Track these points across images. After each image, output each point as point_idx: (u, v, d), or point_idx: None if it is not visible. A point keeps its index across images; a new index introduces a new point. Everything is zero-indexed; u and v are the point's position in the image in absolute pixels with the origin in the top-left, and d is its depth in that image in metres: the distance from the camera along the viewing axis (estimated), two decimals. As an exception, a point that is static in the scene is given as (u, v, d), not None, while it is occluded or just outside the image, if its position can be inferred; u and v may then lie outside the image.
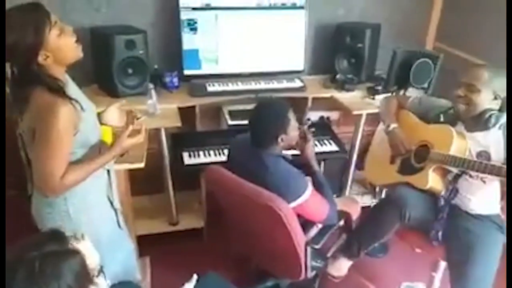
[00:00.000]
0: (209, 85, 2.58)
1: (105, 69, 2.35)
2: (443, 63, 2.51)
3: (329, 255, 1.99)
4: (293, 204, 1.63)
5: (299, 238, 1.68)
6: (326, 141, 2.56)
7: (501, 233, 1.77)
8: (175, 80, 2.59)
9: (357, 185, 3.00)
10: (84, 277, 1.02)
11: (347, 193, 2.89)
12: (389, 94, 2.47)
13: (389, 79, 2.39)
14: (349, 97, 2.63)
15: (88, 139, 1.46)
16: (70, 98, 1.33)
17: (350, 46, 2.72)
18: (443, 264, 2.08)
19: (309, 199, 1.67)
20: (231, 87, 2.59)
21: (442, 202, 1.82)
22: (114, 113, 1.69)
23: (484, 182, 1.73)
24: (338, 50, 2.78)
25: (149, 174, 2.24)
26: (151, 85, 2.29)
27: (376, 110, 2.47)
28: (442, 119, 1.86)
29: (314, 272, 1.89)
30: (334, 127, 2.85)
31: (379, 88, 2.61)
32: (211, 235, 2.63)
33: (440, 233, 1.82)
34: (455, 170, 1.76)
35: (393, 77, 2.36)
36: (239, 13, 2.60)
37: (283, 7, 2.63)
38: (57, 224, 1.49)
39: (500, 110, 1.71)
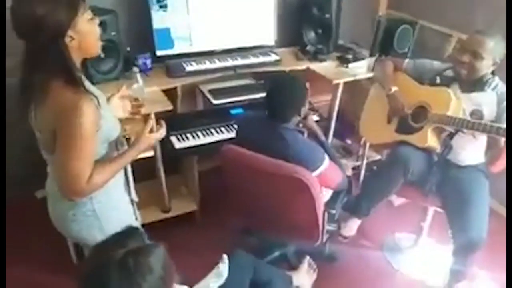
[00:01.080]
0: (186, 64, 2.50)
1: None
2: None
3: (336, 217, 2.09)
4: (315, 174, 1.69)
5: (321, 205, 1.76)
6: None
7: (486, 178, 2.00)
8: (148, 62, 2.46)
9: (337, 151, 3.13)
10: (169, 265, 1.00)
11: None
12: (365, 60, 2.58)
13: (374, 46, 2.50)
14: (324, 67, 2.71)
15: (110, 135, 1.37)
16: (91, 94, 1.24)
17: (318, 17, 2.79)
18: (430, 214, 2.31)
19: (327, 168, 1.74)
20: (209, 65, 2.53)
21: (435, 158, 1.99)
22: (117, 104, 1.59)
23: (474, 137, 1.91)
24: (305, 22, 2.83)
25: (136, 162, 2.14)
26: (135, 69, 2.16)
27: (351, 78, 2.60)
28: (438, 81, 2.01)
29: (327, 236, 1.98)
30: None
31: (350, 56, 2.72)
32: (205, 218, 2.62)
33: (433, 185, 2.00)
34: (451, 129, 1.92)
35: (378, 44, 2.47)
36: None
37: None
38: (83, 225, 1.41)
39: (493, 73, 1.89)
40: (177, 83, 2.41)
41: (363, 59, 2.70)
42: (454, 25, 2.73)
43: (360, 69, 2.68)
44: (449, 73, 2.03)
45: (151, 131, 1.46)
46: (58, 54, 1.19)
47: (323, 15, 2.78)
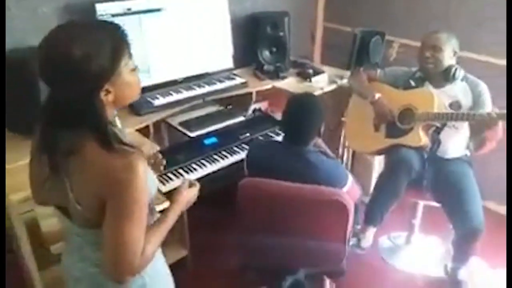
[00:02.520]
0: (153, 99, 2.27)
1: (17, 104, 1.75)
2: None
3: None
4: (345, 190, 1.64)
5: (352, 222, 1.71)
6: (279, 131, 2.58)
7: (470, 167, 2.16)
8: (109, 101, 2.19)
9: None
10: None
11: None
12: (325, 74, 2.64)
13: (352, 59, 2.55)
14: (288, 84, 2.70)
15: (151, 193, 1.16)
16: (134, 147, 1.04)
17: (272, 36, 2.78)
18: (420, 210, 2.42)
19: (352, 184, 1.71)
20: (177, 96, 2.34)
21: (426, 154, 2.10)
22: None
23: (456, 128, 2.07)
24: (259, 41, 2.80)
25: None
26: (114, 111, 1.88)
27: (319, 91, 2.63)
28: (413, 84, 2.13)
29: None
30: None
31: (310, 71, 2.77)
32: (197, 261, 2.39)
33: (429, 182, 2.11)
34: (438, 124, 2.04)
35: (355, 56, 2.53)
36: (163, 14, 2.34)
37: None
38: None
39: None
40: (149, 120, 2.18)
41: (323, 72, 2.76)
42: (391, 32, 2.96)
43: (322, 82, 2.74)
44: (419, 74, 2.18)
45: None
46: (93, 109, 0.97)
47: (277, 33, 2.78)
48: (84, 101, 0.96)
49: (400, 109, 2.14)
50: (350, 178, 1.70)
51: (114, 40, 0.97)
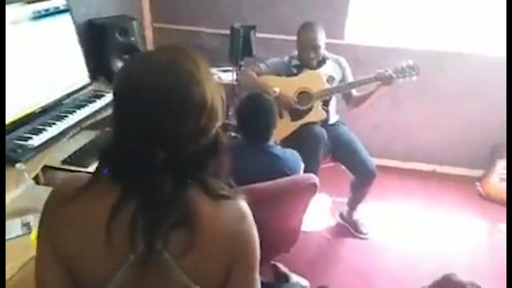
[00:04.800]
0: (26, 140, 1.76)
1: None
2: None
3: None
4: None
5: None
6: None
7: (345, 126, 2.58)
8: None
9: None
10: None
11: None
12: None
13: (237, 54, 2.48)
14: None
15: None
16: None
17: (122, 43, 2.52)
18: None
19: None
20: (51, 130, 1.87)
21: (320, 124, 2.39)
22: None
23: (332, 98, 2.45)
24: (110, 49, 2.49)
25: None
26: (20, 165, 1.38)
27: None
28: (294, 71, 2.38)
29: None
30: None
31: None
32: None
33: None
34: (328, 98, 2.37)
35: (240, 51, 2.46)
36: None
37: (47, 13, 2.04)
38: None
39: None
40: (35, 166, 1.68)
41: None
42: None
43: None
44: (295, 62, 2.45)
45: None
46: (213, 146, 0.81)
47: (128, 39, 2.53)
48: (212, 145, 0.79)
49: (297, 94, 2.36)
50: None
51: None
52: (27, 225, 1.34)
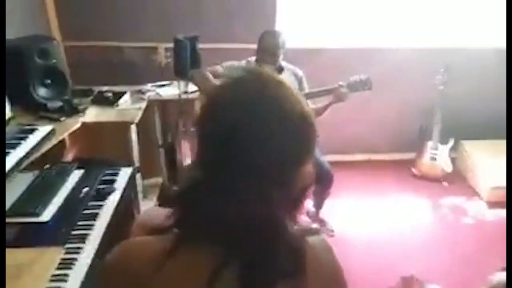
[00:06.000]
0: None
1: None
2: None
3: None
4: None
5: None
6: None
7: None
8: None
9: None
10: None
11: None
12: (127, 94, 2.38)
13: (185, 66, 2.22)
14: (96, 116, 2.24)
15: None
16: None
17: (43, 66, 2.17)
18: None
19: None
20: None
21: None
22: None
23: None
24: (27, 75, 2.13)
25: None
26: None
27: (140, 113, 2.35)
28: None
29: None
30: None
31: (110, 95, 2.41)
32: None
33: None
34: None
35: (188, 62, 2.21)
36: None
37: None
38: None
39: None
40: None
41: (124, 93, 2.45)
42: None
43: (127, 102, 2.43)
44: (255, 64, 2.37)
45: None
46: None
47: (49, 62, 2.19)
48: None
49: None
50: None
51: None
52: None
